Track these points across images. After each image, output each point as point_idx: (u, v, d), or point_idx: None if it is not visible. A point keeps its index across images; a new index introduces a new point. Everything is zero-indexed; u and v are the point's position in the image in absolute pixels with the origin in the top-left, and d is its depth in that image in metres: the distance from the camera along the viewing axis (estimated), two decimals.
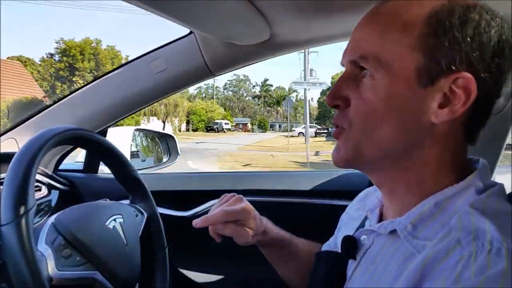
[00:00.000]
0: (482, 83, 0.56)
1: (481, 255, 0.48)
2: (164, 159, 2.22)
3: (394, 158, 0.60)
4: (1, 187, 0.79)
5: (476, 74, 0.55)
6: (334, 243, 0.89)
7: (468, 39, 0.55)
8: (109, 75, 1.39)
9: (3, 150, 1.37)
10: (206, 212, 1.54)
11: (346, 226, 0.84)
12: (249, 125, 58.54)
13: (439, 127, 0.57)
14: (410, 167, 0.60)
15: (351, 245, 0.69)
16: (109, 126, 1.51)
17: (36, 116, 1.44)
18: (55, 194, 1.44)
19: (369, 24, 0.61)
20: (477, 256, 0.48)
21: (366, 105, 0.59)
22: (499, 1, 0.59)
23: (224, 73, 1.39)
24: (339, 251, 0.72)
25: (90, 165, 1.68)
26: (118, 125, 1.73)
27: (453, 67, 0.55)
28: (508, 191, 0.63)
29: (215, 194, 1.57)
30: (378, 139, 0.59)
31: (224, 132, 45.52)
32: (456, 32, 0.55)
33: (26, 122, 1.44)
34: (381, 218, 0.70)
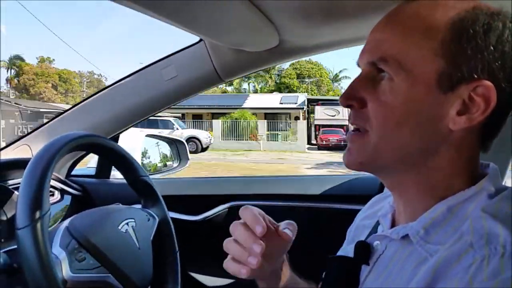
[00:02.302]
0: (501, 92, 0.55)
1: (494, 259, 0.48)
2: (175, 165, 2.24)
3: (409, 163, 0.60)
4: (17, 192, 0.81)
5: (497, 83, 0.54)
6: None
7: (491, 47, 0.54)
8: (121, 82, 1.41)
9: (18, 157, 1.39)
10: (217, 217, 1.56)
11: (355, 236, 0.82)
12: None
13: (455, 134, 0.57)
14: (424, 172, 0.60)
15: (364, 250, 0.68)
16: (121, 132, 1.53)
17: (49, 123, 1.47)
18: (68, 199, 1.46)
19: (390, 25, 0.60)
20: (490, 260, 0.48)
21: (384, 108, 0.58)
22: (499, 1, 0.58)
23: (234, 79, 1.41)
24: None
25: (102, 171, 1.70)
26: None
27: (475, 75, 0.54)
28: None
29: (225, 198, 1.59)
30: (395, 143, 0.58)
31: None
32: (479, 40, 0.54)
33: (40, 129, 1.47)
34: (393, 223, 0.69)
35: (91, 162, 1.87)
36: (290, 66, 43.43)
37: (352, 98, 0.61)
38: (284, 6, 0.94)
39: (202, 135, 20.90)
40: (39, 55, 47.28)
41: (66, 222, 0.88)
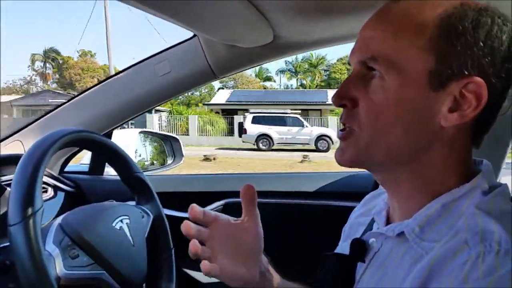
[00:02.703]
0: (492, 88, 0.55)
1: (489, 256, 0.48)
2: (169, 161, 2.23)
3: (401, 161, 0.60)
4: (9, 188, 0.80)
5: (487, 79, 0.55)
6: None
7: (480, 43, 0.54)
8: (114, 77, 1.40)
9: (10, 152, 1.38)
10: None
11: (350, 233, 0.82)
12: None
13: (447, 131, 0.57)
14: (417, 169, 0.60)
15: (360, 247, 0.68)
16: (114, 128, 1.52)
17: (42, 119, 1.46)
18: (61, 196, 1.45)
19: (380, 23, 0.60)
20: (485, 257, 0.48)
21: (375, 106, 0.58)
22: (499, 1, 0.59)
23: (228, 76, 1.40)
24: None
25: (96, 167, 1.69)
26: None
27: (465, 71, 0.54)
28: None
29: (220, 195, 1.58)
30: (386, 142, 0.59)
31: None
32: (468, 36, 0.54)
33: (32, 125, 1.46)
34: (388, 220, 0.69)
35: (84, 158, 1.86)
36: (338, 61, 42.71)
37: (344, 97, 0.62)
38: (278, 2, 0.94)
39: (331, 132, 19.21)
40: (80, 48, 45.55)
41: (59, 219, 0.88)
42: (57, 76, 44.42)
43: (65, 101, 1.47)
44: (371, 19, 0.62)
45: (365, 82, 0.60)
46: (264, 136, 19.03)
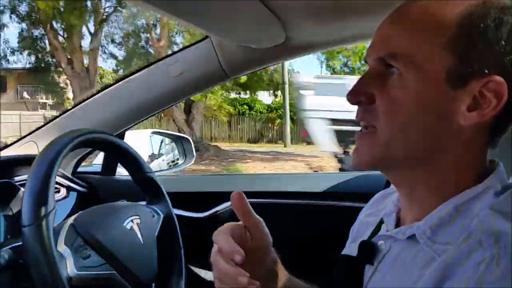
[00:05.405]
0: None
1: (504, 259, 0.47)
2: (180, 162, 2.24)
3: (419, 160, 0.59)
4: (23, 189, 0.81)
5: (508, 78, 0.54)
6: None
7: (502, 42, 0.53)
8: (127, 79, 1.41)
9: (24, 153, 1.40)
10: (222, 214, 1.56)
11: (358, 233, 0.81)
12: None
13: (466, 130, 0.56)
14: (433, 169, 0.59)
15: (369, 250, 0.67)
16: (127, 129, 1.53)
17: (55, 120, 1.47)
18: (73, 196, 1.46)
19: (398, 21, 0.59)
20: (500, 259, 0.47)
21: (393, 104, 0.57)
22: (500, 0, 0.58)
23: (240, 76, 1.41)
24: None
25: (108, 167, 1.70)
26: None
27: (486, 70, 0.54)
28: None
29: (230, 195, 1.58)
30: (405, 139, 0.58)
31: None
32: (490, 34, 0.53)
33: (46, 126, 1.47)
34: (398, 223, 0.68)
35: (97, 158, 1.88)
36: None
37: (361, 94, 0.61)
38: (291, 3, 0.93)
39: None
40: None
41: (71, 219, 0.89)
42: None
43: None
44: (390, 17, 0.61)
45: (382, 79, 0.59)
46: None
